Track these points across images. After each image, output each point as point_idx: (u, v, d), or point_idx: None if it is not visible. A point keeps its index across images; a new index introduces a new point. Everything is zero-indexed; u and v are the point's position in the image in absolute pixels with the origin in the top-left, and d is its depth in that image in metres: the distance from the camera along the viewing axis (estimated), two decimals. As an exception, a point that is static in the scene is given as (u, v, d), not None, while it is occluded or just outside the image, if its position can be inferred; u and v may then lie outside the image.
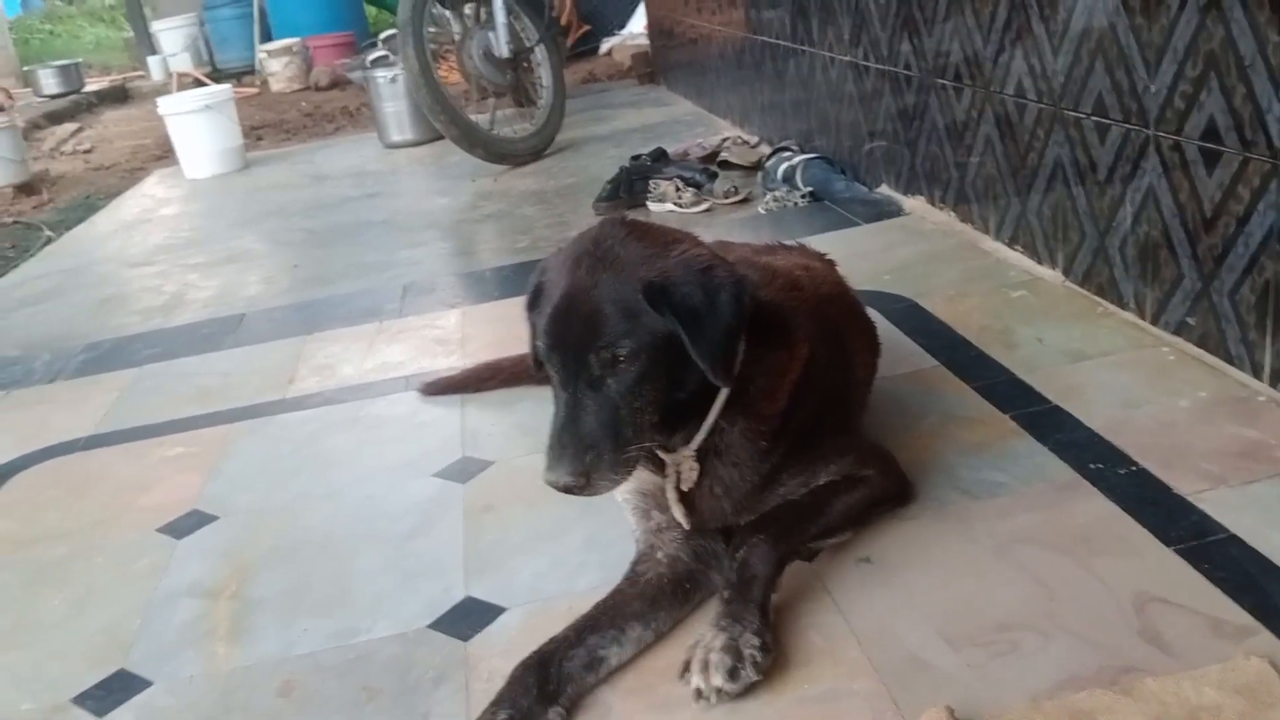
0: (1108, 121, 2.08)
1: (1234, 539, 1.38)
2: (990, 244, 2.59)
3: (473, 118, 4.53)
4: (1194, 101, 1.84)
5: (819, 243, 2.73)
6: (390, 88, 5.31)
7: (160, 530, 1.85)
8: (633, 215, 3.40)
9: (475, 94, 4.82)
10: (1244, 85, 1.72)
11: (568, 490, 1.28)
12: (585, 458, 1.27)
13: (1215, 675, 1.14)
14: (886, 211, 3.02)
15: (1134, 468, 1.58)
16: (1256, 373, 1.79)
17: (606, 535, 1.57)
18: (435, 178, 4.69)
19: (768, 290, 1.48)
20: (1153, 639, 1.23)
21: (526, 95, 4.92)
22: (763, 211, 3.34)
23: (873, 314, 2.19)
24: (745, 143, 4.09)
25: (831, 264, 1.84)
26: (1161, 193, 1.97)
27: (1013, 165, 2.47)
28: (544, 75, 4.84)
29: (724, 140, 4.14)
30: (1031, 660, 1.23)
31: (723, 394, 1.38)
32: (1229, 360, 1.86)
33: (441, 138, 4.70)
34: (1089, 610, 1.29)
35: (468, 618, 1.48)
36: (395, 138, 5.42)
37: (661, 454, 1.42)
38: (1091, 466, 1.59)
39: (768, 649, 1.27)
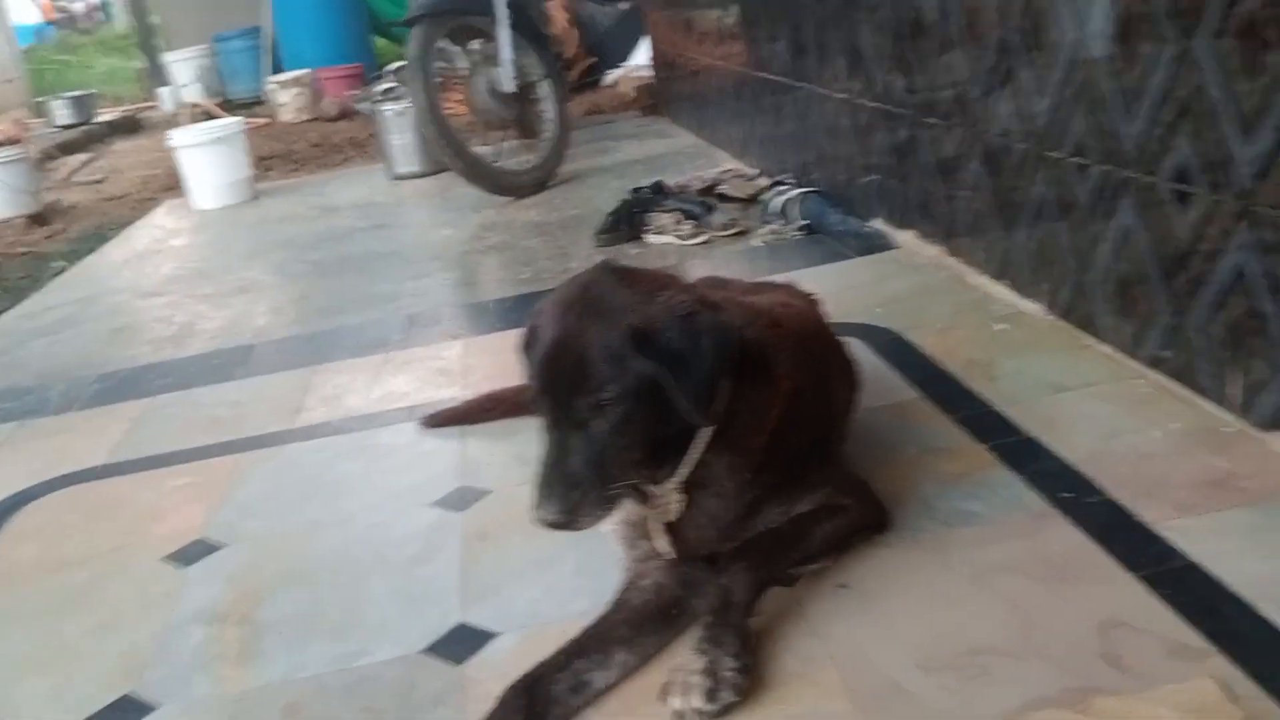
0: (1087, 162, 2.16)
1: (1196, 566, 1.44)
2: (977, 278, 2.66)
3: (478, 150, 4.64)
4: (1168, 145, 1.92)
5: (813, 275, 2.83)
6: (398, 120, 5.42)
7: (173, 557, 1.92)
8: (631, 249, 3.51)
9: (481, 127, 4.93)
10: (1214, 131, 1.79)
11: (554, 526, 1.36)
12: (570, 495, 1.35)
13: (1168, 695, 1.21)
14: (879, 245, 3.09)
15: (1105, 497, 1.64)
16: (1227, 405, 1.86)
17: (598, 563, 1.63)
18: (441, 210, 4.79)
19: (750, 330, 1.55)
20: (1114, 662, 1.29)
21: (531, 128, 5.03)
22: (759, 244, 3.42)
23: (861, 347, 2.28)
24: (744, 175, 4.18)
25: (814, 302, 1.91)
26: (1137, 231, 2.04)
27: (999, 202, 2.54)
28: (548, 109, 4.94)
29: (723, 173, 4.23)
30: (1001, 683, 1.29)
31: (707, 430, 1.45)
32: (1202, 393, 1.92)
33: (448, 170, 4.81)
34: (1056, 635, 1.36)
35: (465, 642, 1.55)
36: (402, 169, 5.53)
37: (649, 487, 1.49)
38: (1065, 496, 1.66)
39: (746, 672, 1.34)
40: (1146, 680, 1.25)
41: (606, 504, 1.38)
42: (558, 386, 1.38)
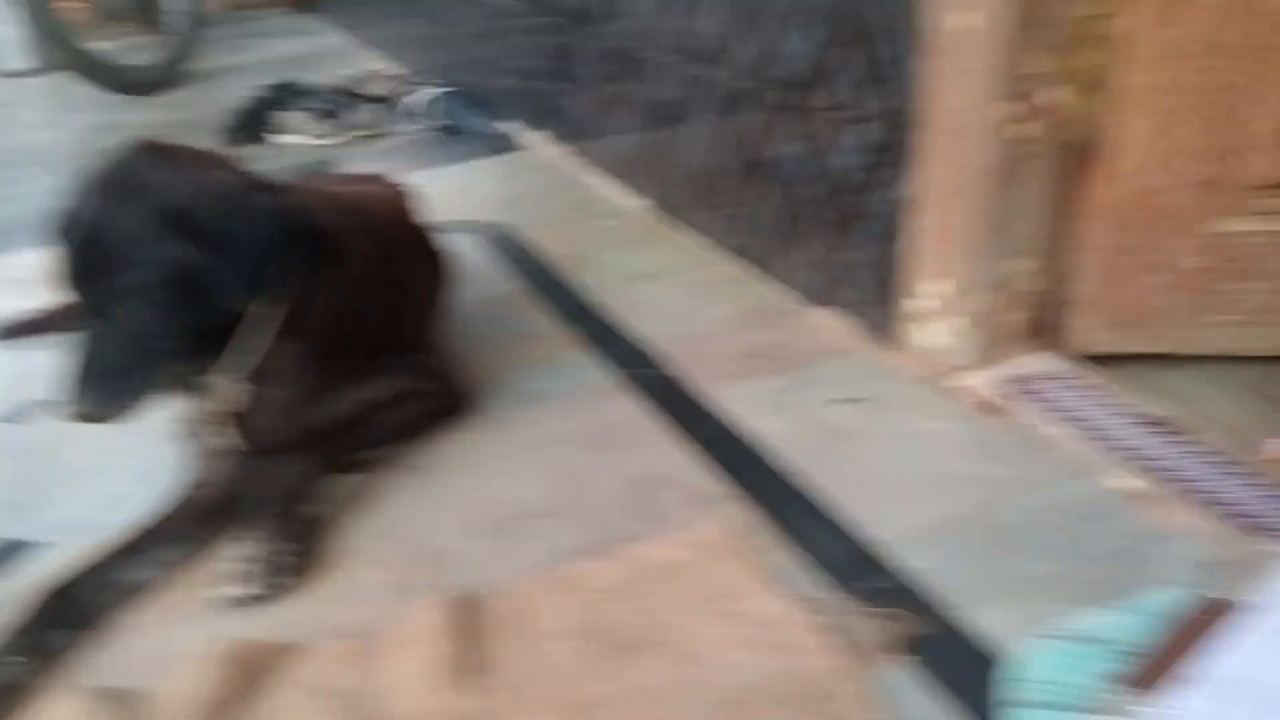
0: (681, 64, 2.27)
1: (728, 427, 1.61)
2: (594, 178, 2.76)
3: (96, 45, 4.19)
4: (739, 47, 2.06)
5: (443, 174, 2.83)
6: (5, 10, 4.78)
7: None
8: (260, 151, 3.32)
9: (101, 20, 4.46)
10: (773, 33, 1.95)
11: (90, 420, 1.29)
12: (108, 387, 1.29)
13: (681, 537, 1.35)
14: (510, 146, 3.13)
15: (665, 372, 1.78)
16: (784, 285, 2.06)
17: (162, 466, 1.57)
18: (51, 110, 4.31)
19: (323, 216, 1.53)
20: (644, 513, 1.42)
21: (158, 22, 4.60)
22: (395, 144, 3.36)
23: (477, 242, 2.31)
24: (389, 75, 4.06)
25: (401, 193, 1.89)
26: (720, 129, 2.19)
27: (614, 104, 2.63)
28: (178, 1, 4.55)
29: (368, 72, 4.09)
30: (539, 539, 1.38)
31: (272, 317, 1.41)
32: (768, 275, 2.12)
33: (63, 67, 4.32)
34: (600, 494, 1.47)
35: (9, 556, 1.45)
36: (10, 66, 4.91)
37: (211, 377, 1.45)
38: (631, 372, 1.78)
39: (304, 555, 1.35)
40: (671, 527, 1.39)
41: (145, 394, 1.33)
42: (91, 273, 1.30)
